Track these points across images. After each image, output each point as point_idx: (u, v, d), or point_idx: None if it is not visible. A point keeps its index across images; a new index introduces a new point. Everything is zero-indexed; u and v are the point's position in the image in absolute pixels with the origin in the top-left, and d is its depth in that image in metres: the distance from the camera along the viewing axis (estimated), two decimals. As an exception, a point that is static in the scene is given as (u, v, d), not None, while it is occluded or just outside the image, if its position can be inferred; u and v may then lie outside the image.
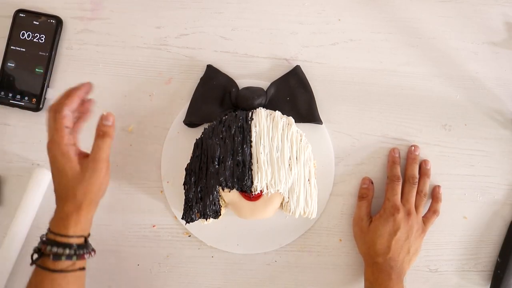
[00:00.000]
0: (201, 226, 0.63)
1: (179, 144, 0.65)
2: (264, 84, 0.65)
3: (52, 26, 0.66)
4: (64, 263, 0.49)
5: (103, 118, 0.53)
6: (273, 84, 0.65)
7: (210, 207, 0.60)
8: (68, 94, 0.52)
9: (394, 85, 0.67)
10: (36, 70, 0.65)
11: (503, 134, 0.66)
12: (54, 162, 0.51)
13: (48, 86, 0.66)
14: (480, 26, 0.68)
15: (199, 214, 0.60)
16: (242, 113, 0.61)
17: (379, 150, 0.66)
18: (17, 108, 0.65)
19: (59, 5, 0.67)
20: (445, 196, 0.65)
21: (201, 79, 0.65)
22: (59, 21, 0.66)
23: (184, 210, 0.61)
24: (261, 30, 0.67)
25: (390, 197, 0.62)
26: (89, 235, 0.53)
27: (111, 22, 0.67)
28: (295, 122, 0.61)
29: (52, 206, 0.52)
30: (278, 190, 0.59)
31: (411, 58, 0.67)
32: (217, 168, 0.59)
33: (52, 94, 0.66)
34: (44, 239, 0.51)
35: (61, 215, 0.50)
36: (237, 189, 0.59)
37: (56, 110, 0.51)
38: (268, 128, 0.60)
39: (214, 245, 0.64)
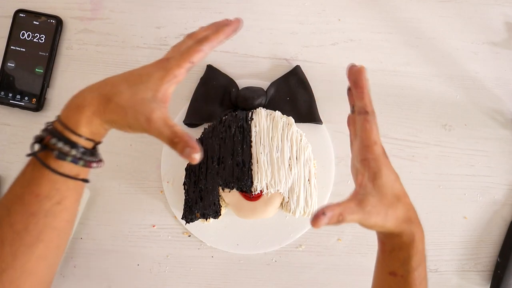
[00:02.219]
0: (201, 226, 0.63)
1: (179, 144, 0.65)
2: (264, 84, 0.65)
3: (52, 26, 0.66)
4: (68, 166, 0.41)
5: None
6: (273, 84, 0.65)
7: (210, 207, 0.60)
8: (217, 30, 0.46)
9: (394, 85, 0.67)
10: (36, 70, 0.65)
11: (503, 134, 0.66)
12: (144, 68, 0.44)
13: (48, 86, 0.66)
14: (480, 26, 0.68)
15: (199, 214, 0.61)
16: (242, 113, 0.61)
17: (379, 150, 0.66)
18: (17, 108, 0.65)
19: (59, 5, 0.67)
20: (445, 196, 0.65)
21: (201, 79, 0.65)
22: (59, 21, 0.66)
23: (184, 210, 0.61)
24: (261, 30, 0.67)
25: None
26: (99, 143, 0.45)
27: (111, 22, 0.67)
28: (295, 122, 0.61)
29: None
30: (278, 190, 0.59)
31: (411, 58, 0.67)
32: (217, 168, 0.59)
33: (52, 94, 0.66)
34: (50, 127, 0.42)
35: (77, 103, 0.42)
36: (237, 189, 0.59)
37: (197, 39, 0.45)
38: (268, 128, 0.60)
39: (214, 245, 0.64)
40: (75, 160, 0.41)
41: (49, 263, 0.43)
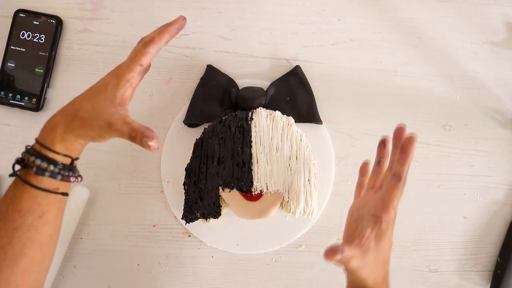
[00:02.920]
0: (201, 226, 0.63)
1: (179, 144, 0.65)
2: (264, 84, 0.65)
3: (52, 26, 0.66)
4: (47, 181, 0.44)
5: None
6: (273, 84, 0.65)
7: (210, 207, 0.60)
8: (161, 30, 0.48)
9: (394, 85, 0.67)
10: (36, 70, 0.65)
11: (503, 134, 0.66)
12: (101, 79, 0.47)
13: (48, 86, 0.66)
14: (480, 26, 0.68)
15: (199, 214, 0.61)
16: (242, 113, 0.61)
17: (379, 150, 0.66)
18: (17, 108, 0.65)
19: (59, 5, 0.67)
20: (445, 196, 0.65)
21: (201, 79, 0.65)
22: (59, 21, 0.66)
23: (184, 210, 0.61)
24: (261, 30, 0.67)
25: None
26: (76, 159, 0.48)
27: (111, 22, 0.67)
28: (295, 122, 0.61)
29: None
30: (278, 190, 0.59)
31: (411, 58, 0.67)
32: (217, 168, 0.59)
33: (52, 94, 0.66)
34: (29, 148, 0.46)
35: (50, 124, 0.46)
36: (237, 189, 0.59)
37: (144, 42, 0.48)
38: (268, 128, 0.60)
39: (214, 245, 0.64)
40: (53, 175, 0.44)
41: (34, 277, 0.45)
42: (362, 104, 0.66)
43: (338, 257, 0.42)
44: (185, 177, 0.61)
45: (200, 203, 0.60)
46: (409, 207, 0.65)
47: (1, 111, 0.66)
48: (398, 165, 0.46)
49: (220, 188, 0.60)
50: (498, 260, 0.65)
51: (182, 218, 0.62)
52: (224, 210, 0.61)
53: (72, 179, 0.46)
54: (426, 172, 0.66)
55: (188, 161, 0.62)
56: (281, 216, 0.64)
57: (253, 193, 0.59)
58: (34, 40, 0.66)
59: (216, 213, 0.60)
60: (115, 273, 0.65)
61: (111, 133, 0.45)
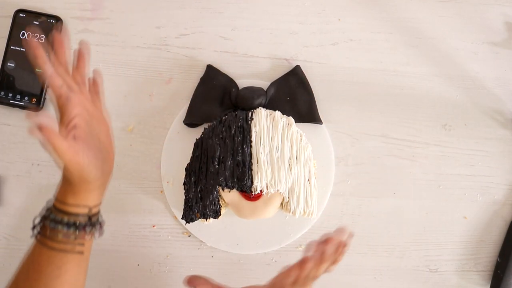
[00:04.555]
0: (201, 226, 0.63)
1: (179, 144, 0.65)
2: (264, 84, 0.65)
3: (52, 26, 0.66)
4: (63, 241, 0.45)
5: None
6: (273, 84, 0.65)
7: (210, 207, 0.60)
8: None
9: (394, 85, 0.67)
10: (36, 70, 0.65)
11: (503, 134, 0.66)
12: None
13: (48, 86, 0.66)
14: (480, 26, 0.68)
15: (199, 214, 0.61)
16: (242, 113, 0.61)
17: (379, 150, 0.66)
18: (17, 108, 0.65)
19: (59, 5, 0.67)
20: (445, 196, 0.65)
21: (201, 79, 0.65)
22: (59, 21, 0.66)
23: (184, 210, 0.61)
24: (261, 30, 0.67)
25: None
26: (94, 215, 0.47)
27: (111, 22, 0.67)
28: (295, 122, 0.61)
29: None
30: (278, 190, 0.59)
31: (411, 58, 0.67)
32: (217, 168, 0.59)
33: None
34: (46, 209, 0.46)
35: (63, 186, 0.46)
36: (237, 189, 0.59)
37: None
38: (268, 128, 0.60)
39: (214, 245, 0.64)
40: (66, 235, 0.45)
41: None
42: (362, 104, 0.66)
43: None
44: (185, 177, 0.61)
45: (200, 203, 0.60)
46: (409, 207, 0.65)
47: (1, 111, 0.66)
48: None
49: (220, 188, 0.60)
50: (498, 260, 0.65)
51: (182, 218, 0.62)
52: (224, 210, 0.61)
53: (87, 236, 0.46)
54: (426, 172, 0.66)
55: (188, 161, 0.62)
56: (281, 216, 0.64)
57: (253, 193, 0.59)
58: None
59: (216, 213, 0.60)
60: (115, 273, 0.65)
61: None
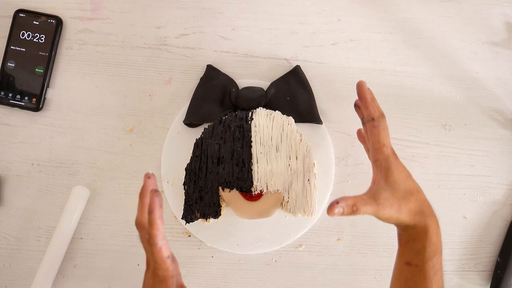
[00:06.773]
0: (201, 226, 0.63)
1: (179, 144, 0.65)
2: (264, 84, 0.65)
3: (52, 26, 0.66)
4: None
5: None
6: (273, 84, 0.65)
7: (210, 207, 0.60)
8: (151, 218, 0.44)
9: (394, 85, 0.67)
10: (36, 70, 0.65)
11: (503, 134, 0.66)
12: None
13: (48, 86, 0.66)
14: (480, 26, 0.68)
15: (199, 214, 0.61)
16: (242, 113, 0.61)
17: (379, 150, 0.66)
18: (17, 108, 0.65)
19: (59, 5, 0.67)
20: (445, 196, 0.65)
21: (201, 79, 0.65)
22: (59, 21, 0.66)
23: (184, 210, 0.61)
24: (261, 30, 0.67)
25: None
26: None
27: (111, 22, 0.67)
28: (295, 122, 0.61)
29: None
30: (278, 190, 0.59)
31: (411, 58, 0.67)
32: (217, 168, 0.59)
33: (52, 94, 0.66)
34: None
35: None
36: (237, 189, 0.59)
37: (149, 242, 0.45)
38: (268, 128, 0.60)
39: (214, 245, 0.64)
40: None
41: None
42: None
43: (338, 209, 0.43)
44: (185, 177, 0.61)
45: (200, 203, 0.60)
46: (409, 207, 0.65)
47: (1, 111, 0.66)
48: (364, 110, 0.52)
49: (220, 188, 0.60)
50: (498, 260, 0.65)
51: (182, 218, 0.62)
52: (224, 210, 0.61)
53: None
54: (426, 172, 0.66)
55: (188, 161, 0.62)
56: (281, 216, 0.64)
57: (253, 193, 0.59)
58: (34, 40, 0.66)
59: (216, 213, 0.60)
60: (115, 273, 0.65)
61: None
